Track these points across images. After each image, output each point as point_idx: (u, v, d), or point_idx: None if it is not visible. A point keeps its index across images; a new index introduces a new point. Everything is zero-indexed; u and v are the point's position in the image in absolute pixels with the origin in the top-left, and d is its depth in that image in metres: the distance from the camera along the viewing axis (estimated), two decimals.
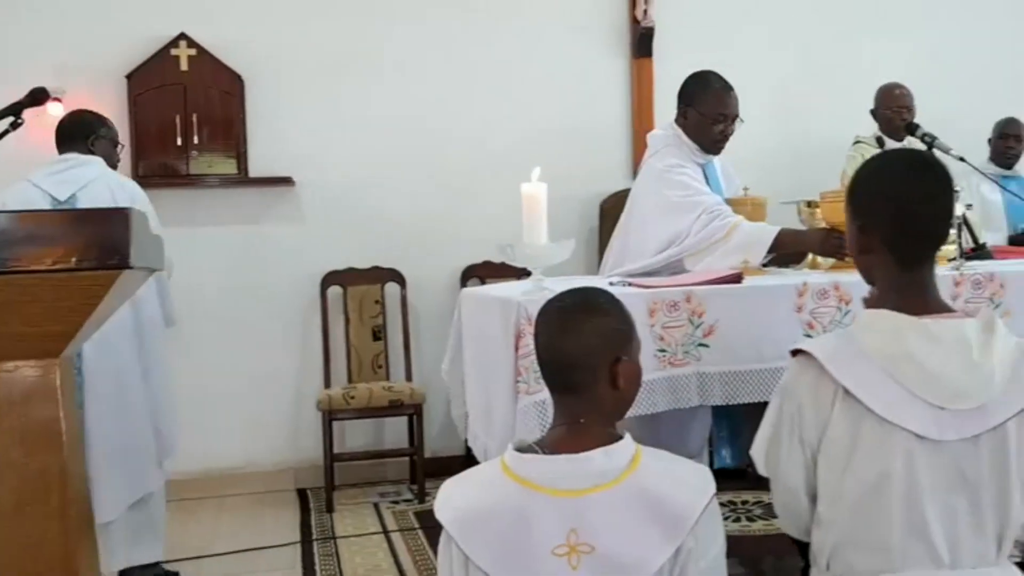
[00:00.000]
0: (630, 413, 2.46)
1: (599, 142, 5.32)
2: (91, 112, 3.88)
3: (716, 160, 3.60)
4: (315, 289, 5.00)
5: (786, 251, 3.20)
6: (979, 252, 3.19)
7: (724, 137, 3.45)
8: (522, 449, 1.80)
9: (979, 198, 4.82)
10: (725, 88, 3.46)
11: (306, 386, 4.98)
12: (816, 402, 1.79)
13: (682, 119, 3.50)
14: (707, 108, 3.42)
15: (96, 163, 3.59)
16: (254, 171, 4.92)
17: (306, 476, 4.97)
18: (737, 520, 4.10)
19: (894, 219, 1.85)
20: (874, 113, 4.76)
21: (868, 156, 4.43)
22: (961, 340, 1.76)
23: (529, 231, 2.61)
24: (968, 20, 5.64)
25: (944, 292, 2.64)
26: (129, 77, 4.78)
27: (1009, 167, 5.00)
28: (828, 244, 3.09)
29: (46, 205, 3.42)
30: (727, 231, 3.18)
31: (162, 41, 4.81)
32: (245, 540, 4.17)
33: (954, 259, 2.85)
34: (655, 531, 1.70)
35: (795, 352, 1.88)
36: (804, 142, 5.31)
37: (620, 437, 1.80)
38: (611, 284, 2.87)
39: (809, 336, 2.60)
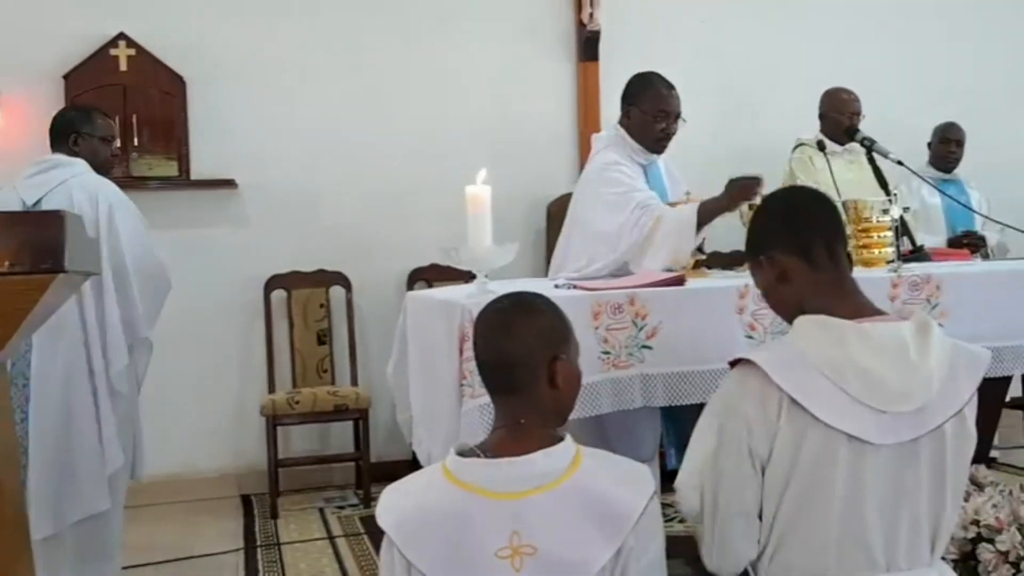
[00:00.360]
0: (574, 415, 2.50)
1: (545, 145, 5.33)
2: (76, 108, 3.76)
3: (661, 163, 3.63)
4: (258, 293, 4.94)
5: (710, 220, 3.23)
6: (917, 254, 3.25)
7: (667, 135, 3.50)
8: (463, 453, 1.80)
9: (919, 201, 4.90)
10: (667, 87, 3.50)
11: (250, 391, 4.92)
12: (764, 413, 1.78)
13: (625, 119, 3.54)
14: (648, 106, 3.47)
15: (72, 165, 3.48)
16: (196, 173, 4.86)
17: (250, 482, 4.90)
18: (683, 520, 4.11)
19: (787, 228, 1.93)
20: (822, 117, 4.80)
21: (811, 159, 4.54)
22: (899, 343, 1.79)
23: (474, 234, 2.60)
24: (911, 25, 5.74)
25: (881, 293, 2.73)
26: (66, 77, 4.69)
27: (949, 171, 5.08)
28: (733, 191, 3.16)
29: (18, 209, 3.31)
30: (654, 222, 3.23)
31: (100, 41, 4.72)
32: (187, 548, 4.11)
33: (892, 261, 2.90)
34: (597, 531, 1.71)
35: (734, 364, 1.88)
36: (749, 145, 5.34)
37: (561, 438, 1.81)
38: (556, 287, 2.89)
39: (751, 337, 2.62)
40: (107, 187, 3.49)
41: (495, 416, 1.90)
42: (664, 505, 3.64)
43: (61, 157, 3.49)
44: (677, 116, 3.49)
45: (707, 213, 3.22)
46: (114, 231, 3.39)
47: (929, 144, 5.16)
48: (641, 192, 3.37)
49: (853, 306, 1.87)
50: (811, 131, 4.76)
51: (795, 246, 1.91)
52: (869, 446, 1.75)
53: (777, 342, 1.92)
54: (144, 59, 4.75)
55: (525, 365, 1.82)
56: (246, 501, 4.83)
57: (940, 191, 4.46)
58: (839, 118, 4.57)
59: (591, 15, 5.29)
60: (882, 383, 1.76)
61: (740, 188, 3.14)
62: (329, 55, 5.03)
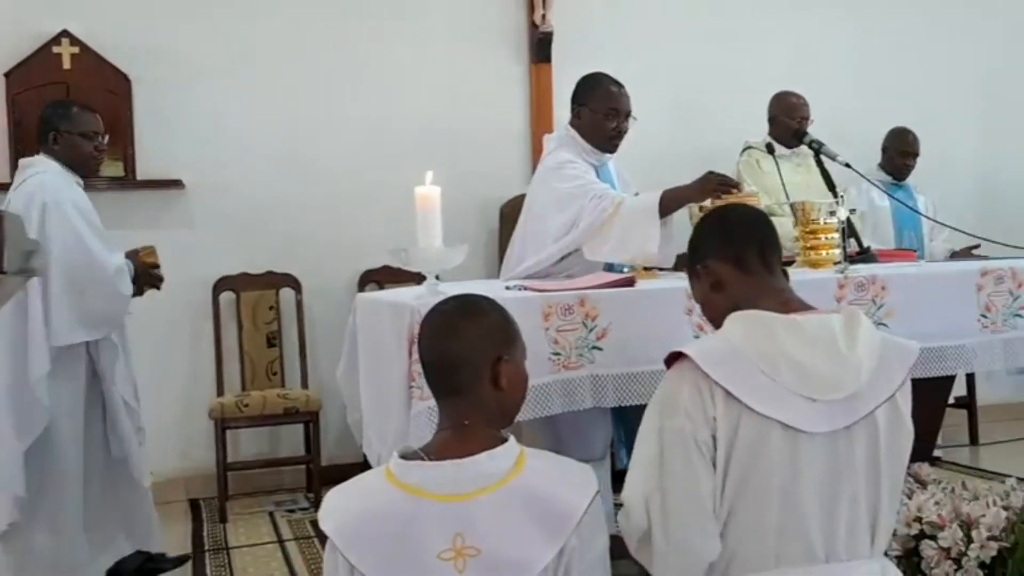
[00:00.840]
0: (523, 417, 2.50)
1: (498, 146, 5.32)
2: (53, 105, 3.63)
3: (611, 165, 3.64)
4: (207, 295, 4.87)
5: (674, 209, 3.22)
6: (864, 255, 3.29)
7: (618, 134, 3.51)
8: (407, 456, 1.80)
9: (868, 204, 4.97)
10: (616, 85, 3.53)
11: (198, 394, 4.84)
12: (702, 404, 1.80)
13: (576, 119, 3.55)
14: (599, 105, 3.49)
15: (35, 164, 3.42)
16: (142, 173, 4.77)
17: (198, 486, 4.83)
18: None
19: (721, 237, 1.99)
20: (772, 120, 4.84)
21: (758, 162, 4.58)
22: (828, 333, 1.83)
23: (423, 235, 2.60)
24: (861, 29, 5.82)
25: (828, 294, 2.77)
26: (8, 75, 4.59)
27: (902, 180, 5.13)
28: (707, 184, 3.15)
29: None
30: (615, 207, 3.23)
31: (43, 38, 4.62)
32: None
33: (839, 263, 2.93)
34: (540, 531, 1.72)
35: (669, 360, 1.90)
36: (702, 146, 5.36)
37: (505, 440, 1.82)
38: (507, 288, 2.89)
39: (699, 338, 2.64)
40: (48, 187, 3.36)
41: (439, 418, 1.90)
42: (616, 505, 3.67)
43: (32, 158, 3.44)
44: (628, 114, 3.51)
45: (672, 200, 3.19)
46: (44, 233, 3.28)
47: (884, 149, 5.20)
48: (596, 184, 3.39)
49: (783, 302, 1.92)
50: (763, 133, 4.81)
51: (729, 254, 1.96)
52: (803, 435, 1.78)
53: (709, 336, 1.94)
54: (88, 57, 4.66)
55: (468, 365, 1.83)
56: (194, 505, 4.76)
57: (889, 195, 4.52)
58: (788, 122, 4.60)
59: (543, 16, 5.29)
60: (813, 372, 1.79)
61: (717, 181, 3.14)
62: (278, 54, 4.98)
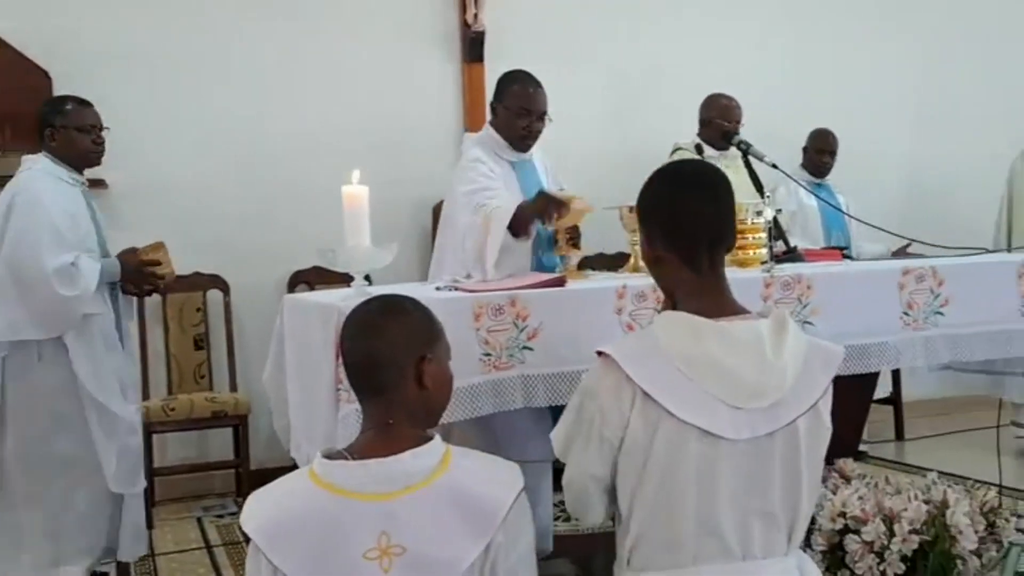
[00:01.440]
0: (454, 418, 2.49)
1: (431, 146, 5.29)
2: (47, 102, 3.58)
3: (537, 159, 3.66)
4: (130, 297, 4.75)
5: (523, 226, 3.32)
6: (791, 255, 3.33)
7: (530, 133, 3.56)
8: (331, 456, 1.80)
9: (797, 203, 5.05)
10: (532, 85, 3.56)
11: None
12: (618, 403, 1.82)
13: (493, 116, 3.60)
14: (512, 103, 3.53)
15: (25, 162, 3.40)
16: None
17: None
18: (568, 520, 4.14)
19: (673, 224, 1.92)
20: (703, 122, 4.87)
21: None
22: (756, 340, 1.82)
23: (351, 235, 2.56)
24: (796, 28, 5.93)
25: (755, 293, 2.79)
26: None
27: (822, 177, 5.23)
28: (537, 203, 3.26)
29: None
30: (484, 220, 3.32)
31: None
32: None
33: (765, 262, 2.96)
34: (466, 528, 1.73)
35: (601, 352, 1.90)
36: (635, 145, 5.41)
37: (430, 438, 1.82)
38: (438, 288, 2.87)
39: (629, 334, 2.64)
40: (26, 185, 3.38)
41: (363, 419, 1.89)
42: (556, 504, 3.67)
43: (30, 156, 3.43)
44: (542, 115, 3.55)
45: (521, 216, 3.31)
46: (5, 229, 3.33)
47: (805, 149, 5.31)
48: (487, 191, 3.43)
49: (718, 306, 1.90)
50: (691, 134, 4.85)
51: (675, 246, 1.92)
52: (723, 440, 1.79)
53: (637, 334, 1.95)
54: (6, 53, 4.53)
55: (392, 365, 1.83)
56: None
57: (814, 195, 4.59)
58: (722, 124, 4.63)
59: (475, 16, 5.29)
60: (737, 379, 1.80)
61: (539, 207, 3.25)
62: (206, 50, 4.90)
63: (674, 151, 4.75)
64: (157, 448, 4.61)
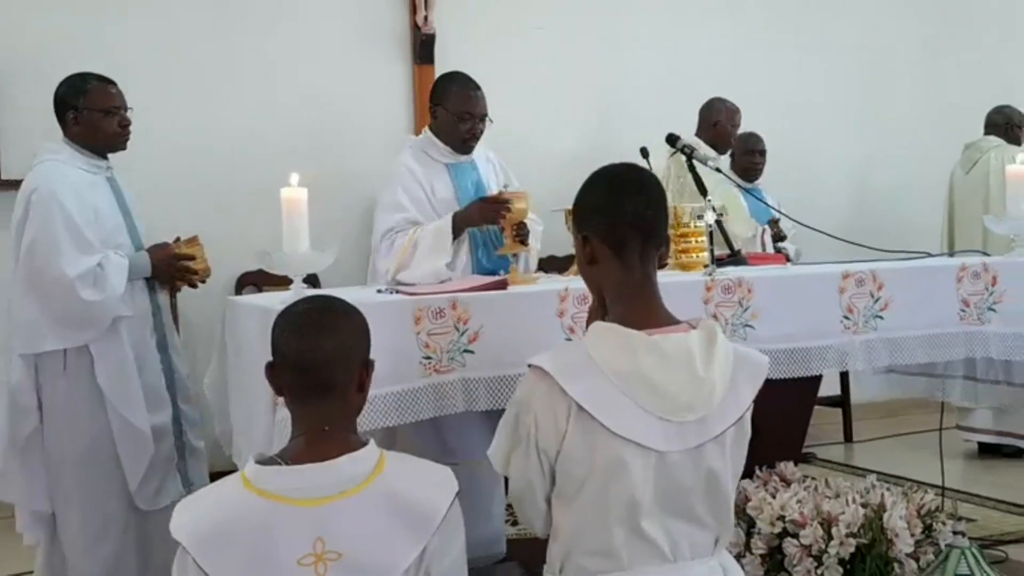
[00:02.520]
0: (394, 423, 2.48)
1: (380, 148, 5.22)
2: (66, 82, 3.28)
3: (481, 160, 3.67)
4: None
5: (463, 228, 3.42)
6: (734, 258, 3.34)
7: (472, 136, 3.55)
8: (263, 462, 1.78)
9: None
10: (472, 88, 3.55)
11: None
12: (552, 415, 1.83)
13: (433, 120, 3.59)
14: (453, 106, 3.53)
15: (41, 153, 3.19)
16: (7, 173, 4.57)
17: None
18: (515, 524, 4.13)
19: (607, 224, 1.93)
20: (710, 124, 5.06)
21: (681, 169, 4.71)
22: (686, 355, 1.85)
23: (289, 237, 2.54)
24: (741, 32, 5.98)
25: (696, 297, 2.80)
26: None
27: (752, 181, 5.23)
28: (478, 210, 3.36)
29: None
30: (410, 239, 3.41)
31: None
32: None
33: (707, 265, 2.97)
34: (401, 533, 1.73)
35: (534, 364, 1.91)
36: (584, 144, 5.42)
37: (364, 443, 1.81)
38: (379, 292, 2.85)
39: (571, 340, 2.64)
40: (37, 180, 3.12)
41: (294, 423, 1.86)
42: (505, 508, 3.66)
43: (48, 144, 3.22)
44: (483, 117, 3.55)
45: (461, 220, 3.41)
46: (23, 228, 3.10)
47: (732, 154, 5.31)
48: (398, 215, 3.50)
49: (649, 315, 1.92)
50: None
51: (610, 241, 1.93)
52: (655, 453, 1.81)
53: (569, 347, 1.96)
54: None
55: (342, 363, 1.82)
56: None
57: (756, 196, 4.62)
58: (727, 127, 5.03)
59: (425, 18, 5.27)
60: (668, 394, 1.82)
61: (480, 210, 3.35)
62: (145, 50, 4.83)
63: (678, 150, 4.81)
64: None
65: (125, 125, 3.30)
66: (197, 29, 4.92)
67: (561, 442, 1.82)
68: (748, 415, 1.91)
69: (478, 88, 3.56)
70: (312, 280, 3.97)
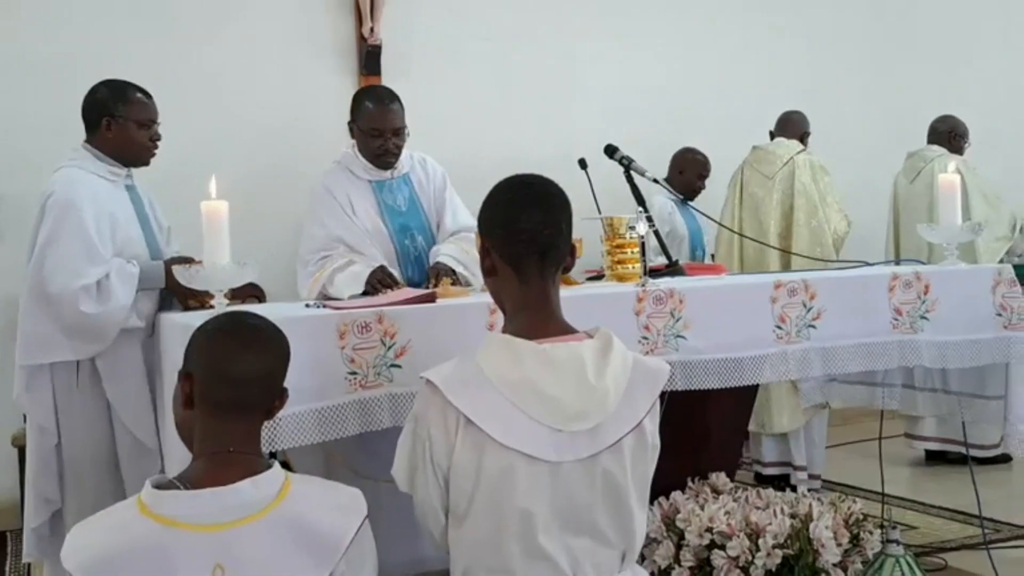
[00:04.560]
0: (319, 439, 2.43)
1: (327, 160, 5.15)
2: (107, 86, 3.20)
3: (416, 175, 3.64)
4: (10, 314, 4.60)
5: None
6: (672, 269, 3.34)
7: (386, 151, 3.50)
8: (161, 485, 1.73)
9: (670, 223, 5.10)
10: (382, 102, 3.49)
11: (4, 420, 4.56)
12: (444, 429, 1.81)
13: (351, 136, 3.57)
14: (364, 123, 3.50)
15: (70, 156, 3.13)
16: None
17: (6, 517, 4.55)
18: None
19: (504, 236, 1.93)
20: (680, 173, 5.28)
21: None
22: (577, 363, 1.83)
23: (209, 251, 2.50)
24: (681, 42, 6.03)
25: (628, 307, 2.79)
26: None
27: (691, 199, 5.21)
28: (373, 277, 3.27)
29: None
30: (321, 273, 3.41)
31: None
32: None
33: (641, 277, 2.96)
34: (306, 559, 1.69)
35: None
36: (533, 155, 5.35)
37: (269, 466, 1.77)
38: (307, 306, 2.81)
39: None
40: (54, 185, 3.07)
41: (198, 442, 1.82)
42: None
43: (73, 149, 3.16)
44: (397, 131, 3.50)
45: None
46: (37, 237, 3.05)
47: (681, 171, 5.31)
48: (320, 232, 3.51)
49: (544, 325, 1.90)
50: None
51: (508, 255, 1.94)
52: (547, 464, 1.78)
53: (460, 358, 1.92)
54: None
55: (266, 382, 1.81)
56: (0, 538, 4.49)
57: (697, 211, 4.62)
58: (693, 179, 5.29)
59: (372, 29, 5.25)
60: (558, 403, 1.80)
61: (377, 279, 3.25)
62: (86, 59, 4.75)
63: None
64: None
65: (156, 140, 3.25)
66: (135, 35, 4.88)
67: (451, 456, 1.80)
68: (649, 424, 1.89)
69: (391, 101, 3.50)
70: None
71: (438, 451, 1.83)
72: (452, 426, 1.80)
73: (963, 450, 5.00)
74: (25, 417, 3.26)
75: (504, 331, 1.93)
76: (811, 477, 4.69)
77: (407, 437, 1.92)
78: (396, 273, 3.39)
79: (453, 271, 3.38)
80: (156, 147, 3.26)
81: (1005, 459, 5.07)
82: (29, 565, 4.16)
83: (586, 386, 1.81)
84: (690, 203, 4.98)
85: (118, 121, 3.15)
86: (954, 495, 4.46)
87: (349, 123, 3.58)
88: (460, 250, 3.53)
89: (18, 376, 3.09)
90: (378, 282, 3.23)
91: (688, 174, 5.23)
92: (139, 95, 3.21)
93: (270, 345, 1.84)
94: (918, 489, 4.67)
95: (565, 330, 1.91)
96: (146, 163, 3.26)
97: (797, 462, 4.70)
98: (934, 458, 5.19)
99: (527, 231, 1.91)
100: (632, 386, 1.86)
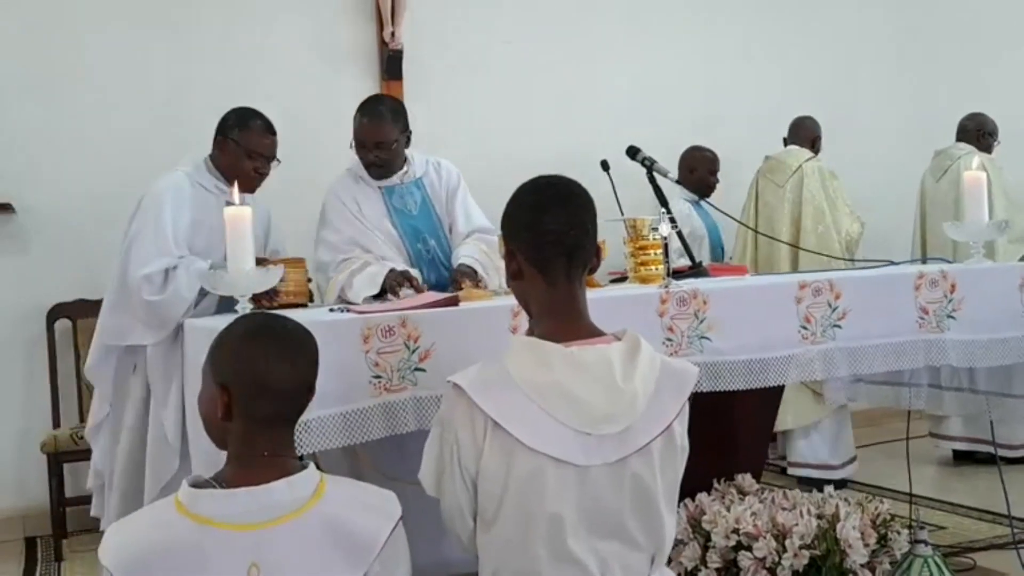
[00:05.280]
0: (344, 443, 2.44)
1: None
2: (237, 111, 3.41)
3: (429, 181, 3.69)
4: (40, 323, 4.66)
5: None
6: (696, 270, 3.33)
7: (369, 163, 3.58)
8: (198, 485, 1.75)
9: (688, 222, 5.08)
10: (366, 116, 3.58)
11: (33, 427, 4.63)
12: (471, 432, 1.81)
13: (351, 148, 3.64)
14: (353, 135, 3.59)
15: (179, 162, 3.34)
16: None
17: (36, 523, 4.61)
18: None
19: (530, 236, 1.91)
20: (691, 172, 5.13)
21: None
22: (605, 366, 1.81)
23: (233, 257, 2.51)
24: (700, 42, 6.00)
25: (652, 309, 2.79)
26: None
27: (705, 197, 5.15)
28: (391, 276, 3.34)
29: None
30: (335, 281, 3.48)
31: None
32: None
33: (664, 278, 2.96)
34: (340, 560, 1.70)
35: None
36: (551, 158, 5.31)
37: (305, 467, 1.78)
38: (331, 311, 2.83)
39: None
40: (155, 185, 3.32)
41: (233, 444, 1.82)
42: None
43: (193, 156, 3.38)
44: (377, 144, 3.55)
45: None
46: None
47: (692, 169, 5.24)
48: (331, 246, 3.58)
49: (572, 328, 1.89)
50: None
51: (534, 258, 1.92)
52: (575, 467, 1.77)
53: (489, 362, 1.92)
54: None
55: (302, 392, 1.82)
56: (30, 543, 4.54)
57: (716, 208, 4.59)
58: (706, 176, 5.16)
59: (393, 34, 5.26)
60: (587, 406, 1.78)
61: (393, 279, 3.30)
62: (111, 69, 4.82)
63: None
64: (70, 478, 4.48)
65: (261, 173, 3.38)
66: (160, 47, 4.92)
67: (479, 460, 1.79)
68: (678, 427, 1.87)
69: (377, 116, 3.56)
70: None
71: (466, 455, 1.82)
72: (480, 430, 1.79)
73: (991, 449, 4.98)
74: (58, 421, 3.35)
75: (530, 334, 1.92)
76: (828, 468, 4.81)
77: (434, 441, 1.91)
78: (415, 274, 3.40)
79: (475, 271, 3.40)
80: (260, 179, 3.39)
81: None
82: (60, 566, 4.23)
83: (614, 389, 1.80)
84: (707, 200, 4.98)
85: (230, 144, 3.33)
86: (982, 495, 4.42)
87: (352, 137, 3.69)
88: (479, 250, 3.56)
89: (93, 350, 3.34)
90: (396, 283, 3.25)
91: (700, 171, 5.14)
92: (259, 124, 3.38)
93: (304, 351, 1.84)
94: (945, 489, 4.63)
95: (592, 332, 1.90)
96: (249, 191, 3.33)
97: (791, 458, 4.87)
98: (962, 458, 5.14)
99: (553, 232, 1.89)
100: (660, 389, 1.85)
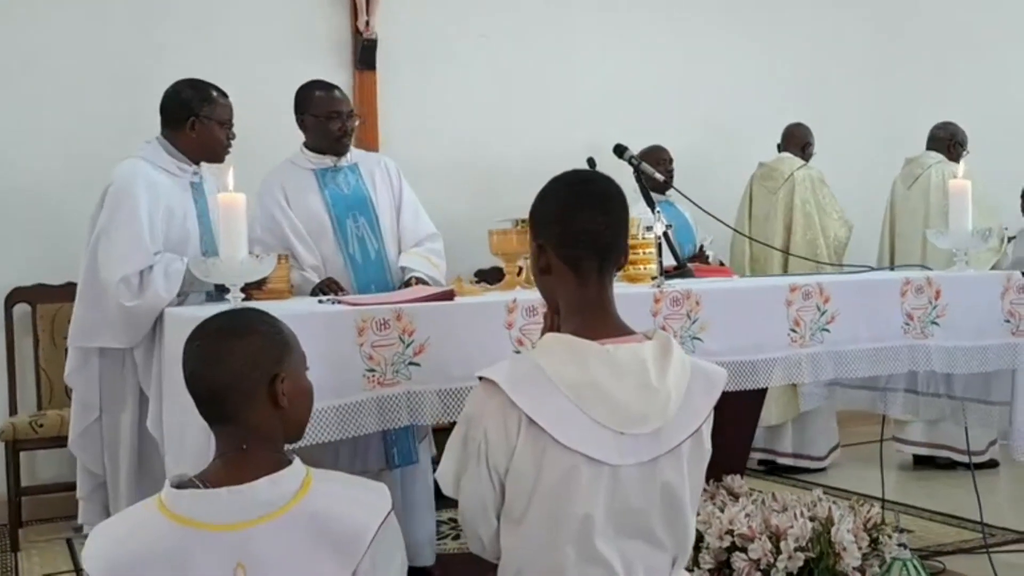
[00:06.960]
0: (336, 437, 2.39)
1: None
2: (192, 86, 3.27)
3: (367, 168, 3.69)
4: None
5: None
6: (682, 271, 3.33)
7: (345, 132, 3.61)
8: (181, 485, 1.69)
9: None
10: (331, 87, 3.65)
11: None
12: (503, 429, 1.76)
13: (304, 131, 3.67)
14: (319, 109, 3.59)
15: (139, 147, 3.19)
16: None
17: None
18: (457, 538, 4.07)
19: (562, 232, 1.87)
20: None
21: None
22: (639, 365, 1.79)
23: (226, 245, 2.44)
24: (679, 45, 6.01)
25: (645, 309, 2.77)
26: None
27: (663, 192, 5.09)
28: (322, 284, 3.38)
29: None
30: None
31: None
32: None
33: (655, 277, 2.95)
34: (328, 557, 1.66)
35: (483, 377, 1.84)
36: (526, 151, 5.35)
37: (290, 462, 1.73)
38: (320, 302, 2.77)
39: (519, 352, 2.59)
40: (118, 174, 3.14)
41: (216, 444, 1.78)
42: (449, 520, 3.60)
43: (147, 141, 3.23)
44: (351, 113, 3.63)
45: None
46: (95, 226, 3.12)
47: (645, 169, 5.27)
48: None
49: (602, 325, 1.86)
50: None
51: (563, 255, 1.88)
52: (607, 467, 1.75)
53: (519, 358, 1.88)
54: None
55: (236, 392, 1.73)
56: None
57: (696, 204, 4.58)
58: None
59: (367, 23, 5.18)
60: (621, 406, 1.76)
61: (324, 284, 3.35)
62: (72, 54, 4.69)
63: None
64: (25, 466, 4.37)
65: (231, 138, 3.33)
66: (125, 32, 4.80)
67: (511, 458, 1.76)
68: (706, 429, 1.86)
69: (337, 87, 3.66)
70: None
71: (495, 452, 1.77)
72: (513, 427, 1.75)
73: (951, 455, 5.07)
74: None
75: (562, 331, 1.88)
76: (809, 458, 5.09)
77: (457, 440, 1.86)
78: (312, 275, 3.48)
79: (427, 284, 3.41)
80: (231, 144, 3.34)
81: (993, 464, 5.11)
82: (16, 556, 4.12)
83: (649, 389, 1.77)
84: (673, 188, 4.97)
85: (203, 121, 3.21)
86: (943, 499, 4.48)
87: (298, 118, 3.65)
88: (430, 264, 3.60)
89: (70, 356, 3.20)
90: (321, 291, 3.29)
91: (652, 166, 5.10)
92: (218, 92, 3.29)
93: (233, 350, 1.74)
94: (909, 493, 4.68)
95: (624, 331, 1.87)
96: (221, 160, 3.30)
97: (780, 450, 5.14)
98: (922, 463, 5.21)
99: (588, 232, 1.85)
100: (691, 390, 1.83)
